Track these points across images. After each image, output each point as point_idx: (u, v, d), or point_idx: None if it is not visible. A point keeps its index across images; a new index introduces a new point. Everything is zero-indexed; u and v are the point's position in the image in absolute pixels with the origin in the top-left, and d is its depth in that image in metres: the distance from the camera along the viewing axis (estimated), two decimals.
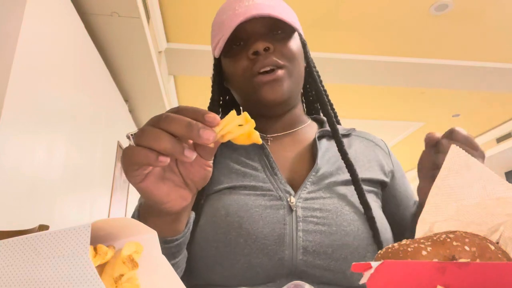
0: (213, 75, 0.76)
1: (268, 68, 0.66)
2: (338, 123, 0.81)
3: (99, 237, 0.34)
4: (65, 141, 2.32)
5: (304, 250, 0.58)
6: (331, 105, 0.78)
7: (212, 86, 0.76)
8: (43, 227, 1.29)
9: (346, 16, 3.28)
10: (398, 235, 0.69)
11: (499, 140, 5.92)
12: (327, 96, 0.77)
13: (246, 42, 0.68)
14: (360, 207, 0.64)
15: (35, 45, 1.90)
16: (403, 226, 0.73)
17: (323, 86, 0.77)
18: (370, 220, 0.62)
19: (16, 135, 1.74)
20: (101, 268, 0.34)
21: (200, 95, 4.74)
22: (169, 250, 0.52)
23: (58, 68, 2.19)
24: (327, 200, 0.63)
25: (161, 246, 0.43)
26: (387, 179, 0.73)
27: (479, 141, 6.22)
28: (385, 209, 0.71)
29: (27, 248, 0.29)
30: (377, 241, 0.61)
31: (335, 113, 0.79)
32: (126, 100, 3.92)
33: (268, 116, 0.73)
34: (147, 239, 0.37)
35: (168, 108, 4.23)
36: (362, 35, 3.52)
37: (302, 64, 0.73)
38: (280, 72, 0.67)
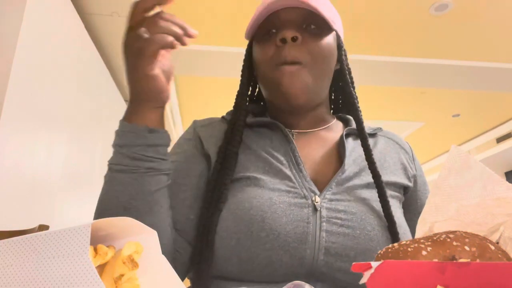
0: (244, 64, 0.75)
1: (289, 61, 0.66)
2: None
3: (99, 237, 0.34)
4: (65, 141, 2.32)
5: (326, 251, 0.57)
6: (360, 111, 0.77)
7: (242, 75, 0.75)
8: (43, 227, 1.29)
9: (346, 16, 3.28)
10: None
11: (499, 140, 5.91)
12: (357, 102, 0.76)
13: (278, 30, 0.69)
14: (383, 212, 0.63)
15: (35, 45, 1.90)
16: None
17: (355, 93, 0.75)
18: (392, 226, 0.61)
19: (16, 135, 1.74)
20: (101, 268, 0.34)
21: (200, 95, 4.74)
22: (161, 139, 0.59)
23: (58, 68, 2.19)
24: (352, 203, 0.62)
25: (150, 135, 0.57)
26: (410, 184, 0.72)
27: (479, 141, 6.22)
28: (404, 215, 0.70)
29: (27, 248, 0.29)
30: None
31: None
32: (126, 100, 3.92)
33: (292, 111, 0.72)
34: (147, 239, 0.37)
35: (167, 108, 4.23)
36: (362, 35, 3.52)
37: (330, 64, 0.71)
38: (300, 68, 0.66)
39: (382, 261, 0.27)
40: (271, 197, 0.61)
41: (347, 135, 0.72)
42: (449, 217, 0.35)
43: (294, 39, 0.65)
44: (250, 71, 0.75)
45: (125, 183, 0.57)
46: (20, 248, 0.29)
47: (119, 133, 0.59)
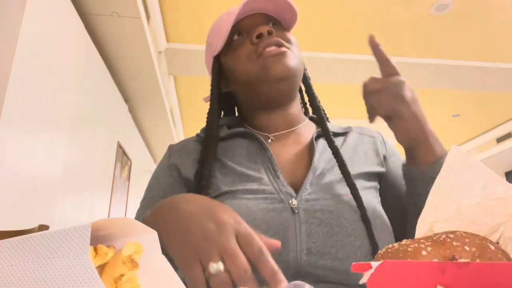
0: (212, 80, 0.76)
1: (272, 47, 0.69)
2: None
3: (99, 237, 0.34)
4: (65, 141, 2.32)
5: (308, 251, 0.59)
6: (324, 112, 0.80)
7: (211, 91, 0.75)
8: (43, 227, 1.29)
9: (346, 16, 3.28)
10: (394, 219, 0.69)
11: (499, 140, 5.91)
12: (321, 107, 0.78)
13: (247, 33, 0.72)
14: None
15: (35, 45, 1.90)
16: (397, 206, 0.72)
17: (316, 96, 0.79)
18: (365, 220, 0.62)
19: (16, 135, 1.74)
20: (101, 269, 0.34)
21: (200, 95, 4.73)
22: None
23: (58, 68, 2.19)
24: (328, 201, 0.63)
25: None
26: (383, 169, 0.74)
27: (479, 141, 6.22)
28: (383, 200, 0.72)
29: (27, 248, 0.29)
30: (371, 240, 0.61)
31: (326, 118, 0.81)
32: (126, 100, 3.92)
33: (273, 106, 0.74)
34: (147, 239, 0.37)
35: (167, 108, 4.24)
36: (362, 35, 3.52)
37: (301, 59, 0.75)
38: (285, 48, 0.69)
39: (382, 261, 0.27)
40: (249, 206, 0.62)
41: (319, 136, 0.74)
42: (449, 217, 0.35)
43: (269, 32, 0.69)
44: (219, 86, 0.77)
45: None
46: (20, 248, 0.29)
47: None
